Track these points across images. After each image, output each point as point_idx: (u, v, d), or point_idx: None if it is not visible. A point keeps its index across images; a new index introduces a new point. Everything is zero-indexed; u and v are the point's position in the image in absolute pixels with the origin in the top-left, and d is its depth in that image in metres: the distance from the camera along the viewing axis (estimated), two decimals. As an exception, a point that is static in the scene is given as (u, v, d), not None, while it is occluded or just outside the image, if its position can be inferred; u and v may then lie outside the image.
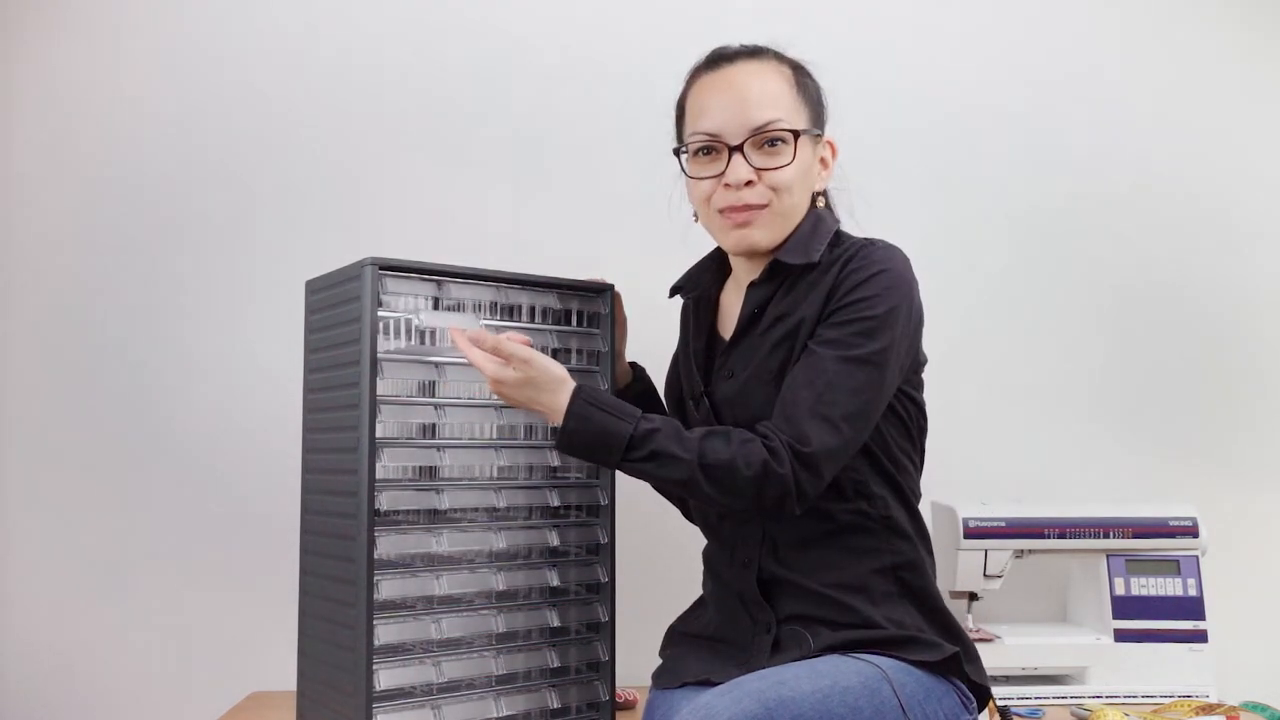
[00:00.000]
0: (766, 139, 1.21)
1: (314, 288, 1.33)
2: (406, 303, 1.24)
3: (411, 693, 1.21)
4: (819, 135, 1.26)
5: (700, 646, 1.29)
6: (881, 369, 1.16)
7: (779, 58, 1.26)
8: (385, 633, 1.18)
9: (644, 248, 1.75)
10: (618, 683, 1.37)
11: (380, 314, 1.20)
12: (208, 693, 1.67)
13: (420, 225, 1.76)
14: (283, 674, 1.60)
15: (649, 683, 1.33)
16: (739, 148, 1.21)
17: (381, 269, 1.20)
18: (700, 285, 1.36)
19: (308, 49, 1.76)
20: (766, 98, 1.21)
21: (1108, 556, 1.65)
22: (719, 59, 1.26)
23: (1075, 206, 1.85)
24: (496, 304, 1.30)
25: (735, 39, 1.28)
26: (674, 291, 1.39)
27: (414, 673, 1.20)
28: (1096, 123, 1.86)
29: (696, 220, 1.31)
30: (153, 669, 1.70)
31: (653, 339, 1.50)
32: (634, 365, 1.47)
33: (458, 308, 1.29)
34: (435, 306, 1.27)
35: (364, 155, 1.76)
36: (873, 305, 1.16)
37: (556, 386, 1.17)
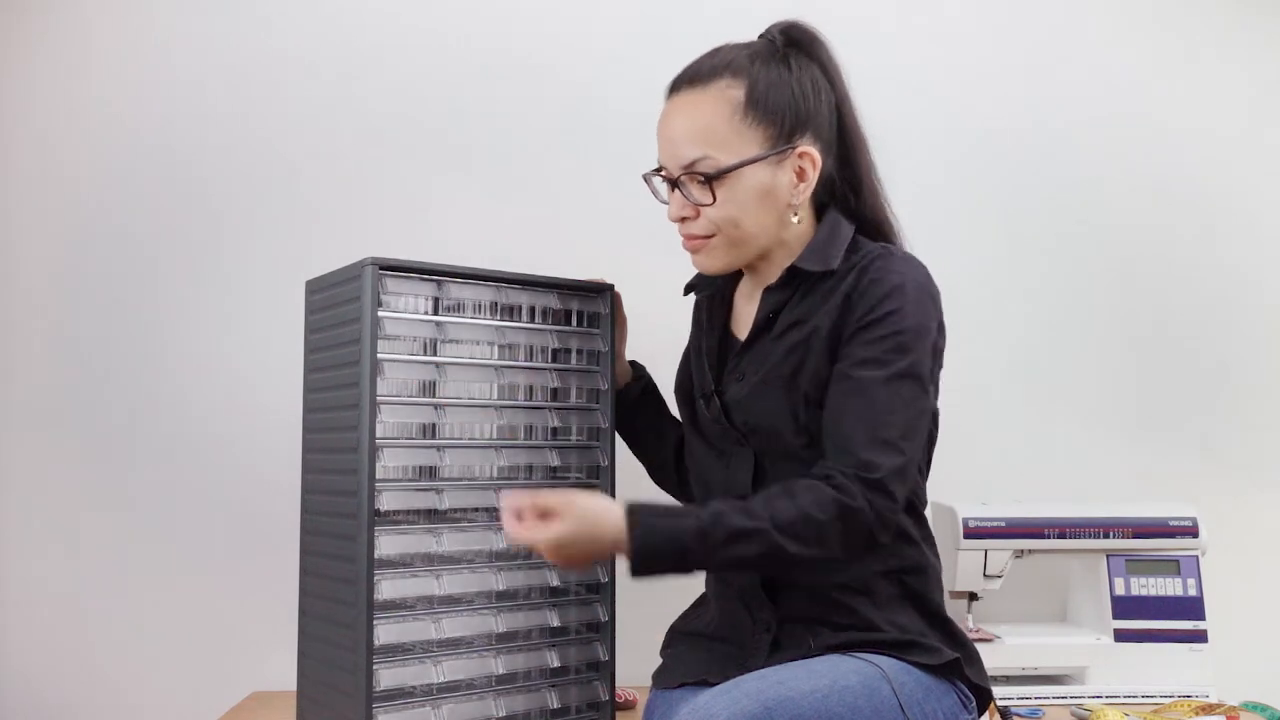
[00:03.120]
0: (696, 178, 1.20)
1: (314, 288, 1.33)
2: (406, 303, 1.24)
3: (411, 693, 1.21)
4: (786, 151, 1.19)
5: (699, 646, 1.29)
6: (922, 380, 1.16)
7: (734, 74, 1.19)
8: (385, 633, 1.18)
9: (643, 248, 1.75)
10: (618, 683, 1.37)
11: (380, 314, 1.20)
12: (208, 693, 1.67)
13: (420, 225, 1.76)
14: (283, 674, 1.60)
15: (649, 683, 1.33)
16: (676, 183, 1.21)
17: (381, 269, 1.20)
18: (714, 284, 1.35)
19: (308, 49, 1.76)
20: (693, 134, 1.19)
21: (1108, 556, 1.65)
22: (671, 86, 1.24)
23: (1075, 209, 1.85)
24: (496, 304, 1.30)
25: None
26: (689, 289, 1.39)
27: (414, 673, 1.20)
28: (1096, 126, 1.86)
29: None
30: (153, 669, 1.70)
31: (653, 339, 1.50)
32: (634, 364, 1.47)
33: (458, 308, 1.29)
34: (435, 309, 1.27)
35: (364, 155, 1.76)
36: (903, 318, 1.15)
37: (605, 513, 1.09)
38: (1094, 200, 1.85)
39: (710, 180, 1.18)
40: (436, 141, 1.77)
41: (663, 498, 1.52)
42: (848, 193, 1.27)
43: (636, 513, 1.09)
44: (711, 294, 1.35)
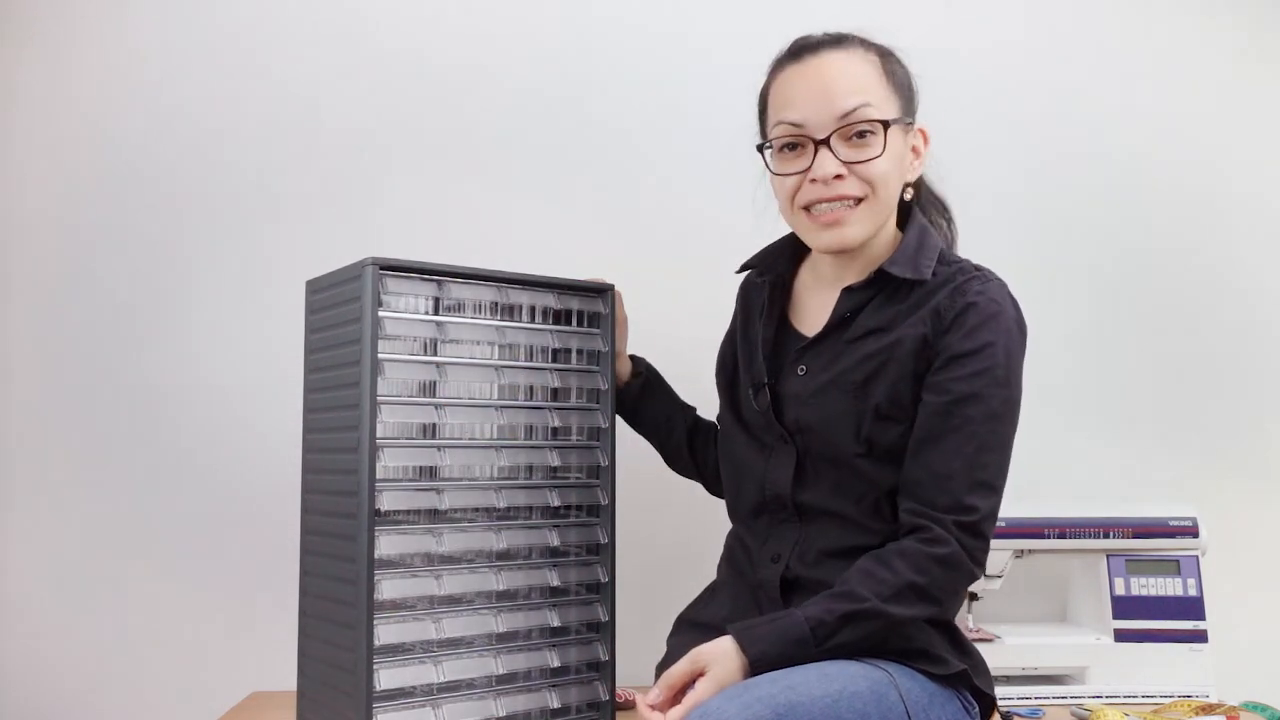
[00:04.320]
0: (855, 130, 1.16)
1: (314, 288, 1.33)
2: (407, 303, 1.24)
3: (411, 693, 1.21)
4: (910, 123, 1.22)
5: (704, 637, 1.27)
6: (1015, 416, 1.17)
7: (865, 44, 1.21)
8: (385, 633, 1.18)
9: (643, 248, 1.76)
10: (618, 683, 1.37)
11: (380, 314, 1.20)
12: (208, 693, 1.67)
13: (420, 225, 1.75)
14: (283, 674, 1.60)
15: (649, 683, 1.32)
16: (825, 141, 1.17)
17: (382, 269, 1.19)
18: (775, 268, 1.32)
19: (309, 50, 1.76)
20: (853, 85, 1.17)
21: (1108, 556, 1.65)
22: (802, 49, 1.21)
23: (1078, 205, 1.85)
24: (497, 304, 1.30)
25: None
26: (744, 268, 1.37)
27: (414, 673, 1.20)
28: (1101, 123, 1.86)
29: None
30: (153, 669, 1.70)
31: (653, 339, 1.50)
32: (634, 358, 1.46)
33: (458, 308, 1.29)
34: (435, 309, 1.27)
35: (364, 155, 1.76)
36: (1001, 350, 1.15)
37: (717, 650, 1.09)
38: (1100, 199, 1.85)
39: (885, 128, 1.17)
40: (437, 141, 1.77)
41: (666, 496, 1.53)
42: (924, 193, 1.28)
43: (741, 633, 1.10)
44: (772, 279, 1.32)
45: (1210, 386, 1.85)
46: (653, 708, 1.09)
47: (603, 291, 1.38)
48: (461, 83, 1.78)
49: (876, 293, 1.22)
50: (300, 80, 1.76)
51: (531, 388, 1.33)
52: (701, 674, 1.09)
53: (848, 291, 1.23)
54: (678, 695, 1.10)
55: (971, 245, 1.86)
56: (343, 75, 1.76)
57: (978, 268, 1.22)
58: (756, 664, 1.08)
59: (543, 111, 1.79)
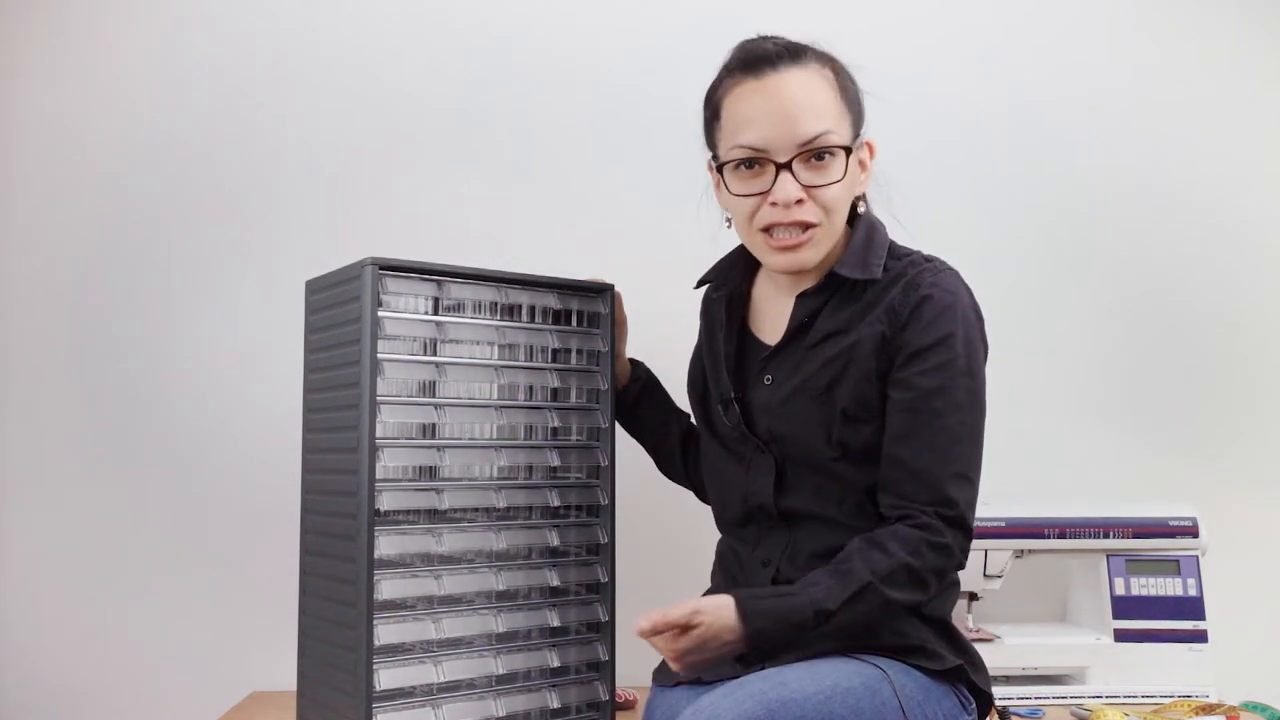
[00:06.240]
0: (814, 153, 1.15)
1: (314, 288, 1.33)
2: (406, 303, 1.24)
3: (411, 693, 1.21)
4: (860, 139, 1.21)
5: None
6: (983, 404, 1.18)
7: (819, 58, 1.18)
8: (385, 633, 1.18)
9: (643, 248, 1.75)
10: (618, 683, 1.37)
11: (380, 314, 1.20)
12: (208, 693, 1.67)
13: (420, 225, 1.75)
14: (283, 674, 1.60)
15: (649, 683, 1.33)
16: (787, 165, 1.15)
17: (381, 269, 1.20)
18: (730, 280, 1.32)
19: (308, 49, 1.76)
20: (814, 108, 1.14)
21: (1108, 556, 1.65)
22: (759, 62, 1.17)
23: (1078, 209, 1.85)
24: (497, 304, 1.30)
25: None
26: (701, 283, 1.37)
27: (414, 673, 1.20)
28: (1102, 128, 1.86)
29: (729, 225, 1.26)
30: (153, 669, 1.70)
31: (653, 339, 1.50)
32: (633, 361, 1.47)
33: (458, 308, 1.29)
34: (435, 309, 1.27)
35: (364, 155, 1.76)
36: (960, 341, 1.15)
37: (718, 613, 1.08)
38: (1094, 198, 1.85)
39: (846, 154, 1.16)
40: (437, 141, 1.77)
41: (660, 498, 1.53)
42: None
43: (746, 602, 1.08)
44: (729, 292, 1.31)
45: (1210, 387, 1.85)
46: (641, 631, 1.06)
47: (603, 291, 1.38)
48: (463, 83, 1.78)
49: (831, 295, 1.21)
50: (299, 82, 1.76)
51: (531, 388, 1.33)
52: (694, 627, 1.06)
53: (802, 297, 1.22)
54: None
55: (969, 241, 1.86)
56: (342, 77, 1.76)
57: (928, 258, 1.21)
58: (754, 639, 1.07)
59: (543, 111, 1.78)
